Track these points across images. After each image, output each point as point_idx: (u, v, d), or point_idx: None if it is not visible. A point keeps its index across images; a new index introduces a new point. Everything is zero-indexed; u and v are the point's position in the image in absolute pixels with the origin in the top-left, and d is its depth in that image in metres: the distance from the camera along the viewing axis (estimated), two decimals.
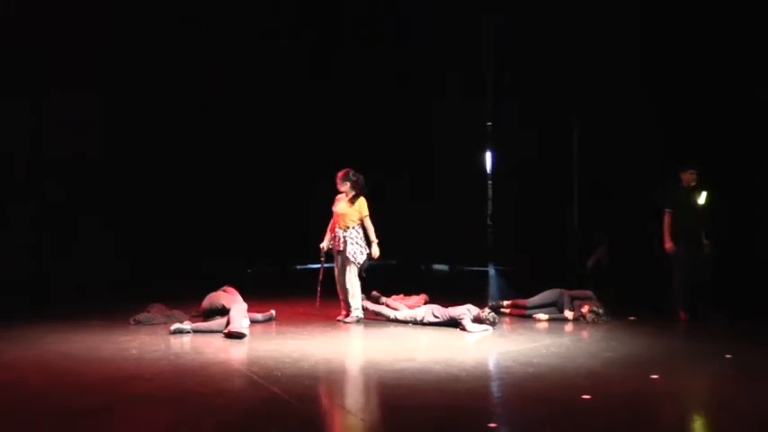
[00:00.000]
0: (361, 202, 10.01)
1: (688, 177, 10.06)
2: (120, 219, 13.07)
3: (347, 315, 9.97)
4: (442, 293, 10.87)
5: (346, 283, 9.94)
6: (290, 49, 15.00)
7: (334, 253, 10.05)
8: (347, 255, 9.88)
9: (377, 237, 9.99)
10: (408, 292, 10.67)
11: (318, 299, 10.22)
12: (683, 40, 12.28)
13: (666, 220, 10.13)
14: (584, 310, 9.98)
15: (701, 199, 10.05)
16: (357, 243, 9.93)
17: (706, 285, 9.99)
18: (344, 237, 9.94)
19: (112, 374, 7.24)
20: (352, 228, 9.96)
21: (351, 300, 9.95)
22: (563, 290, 10.36)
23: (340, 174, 10.07)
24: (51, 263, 12.52)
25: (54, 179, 12.61)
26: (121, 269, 12.72)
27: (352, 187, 10.01)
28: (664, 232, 10.12)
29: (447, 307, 9.73)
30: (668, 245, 10.05)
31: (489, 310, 9.64)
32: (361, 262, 9.92)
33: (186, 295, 10.47)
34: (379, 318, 10.04)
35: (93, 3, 12.62)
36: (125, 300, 10.67)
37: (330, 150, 14.88)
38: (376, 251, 9.99)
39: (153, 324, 9.48)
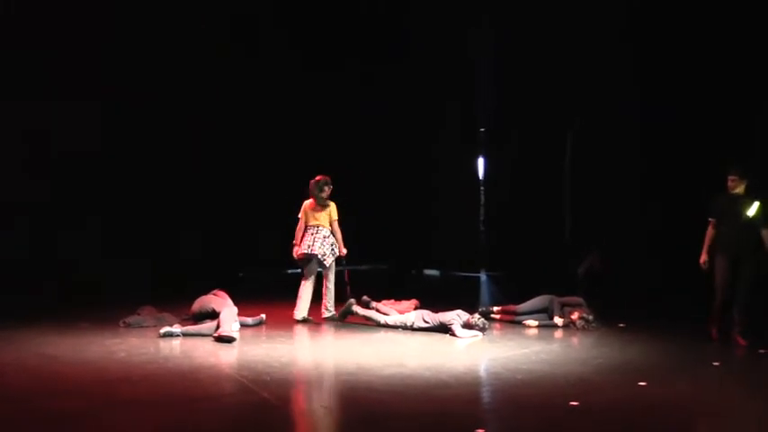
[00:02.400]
0: (333, 206, 10.40)
1: (729, 184, 9.07)
2: (117, 219, 13.07)
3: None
4: (433, 299, 10.86)
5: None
6: (286, 53, 14.98)
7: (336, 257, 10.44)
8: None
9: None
10: (399, 297, 10.66)
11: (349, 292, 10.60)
12: (679, 44, 12.31)
13: (708, 230, 9.16)
14: (574, 316, 9.99)
15: (752, 210, 8.97)
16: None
17: (743, 306, 9.02)
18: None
19: (100, 377, 7.21)
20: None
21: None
22: (553, 296, 10.37)
23: (321, 179, 10.33)
24: (46, 262, 12.49)
25: (51, 179, 12.61)
26: (117, 270, 12.68)
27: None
28: (704, 243, 9.16)
29: (437, 312, 9.73)
30: (702, 258, 9.10)
31: (479, 316, 9.64)
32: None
33: (177, 298, 10.44)
34: (369, 323, 10.02)
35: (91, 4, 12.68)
36: (116, 302, 10.62)
37: (322, 155, 14.88)
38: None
39: (143, 327, 9.46)
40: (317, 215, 10.31)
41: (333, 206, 10.34)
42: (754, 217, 8.94)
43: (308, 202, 10.39)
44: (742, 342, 8.96)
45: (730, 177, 9.04)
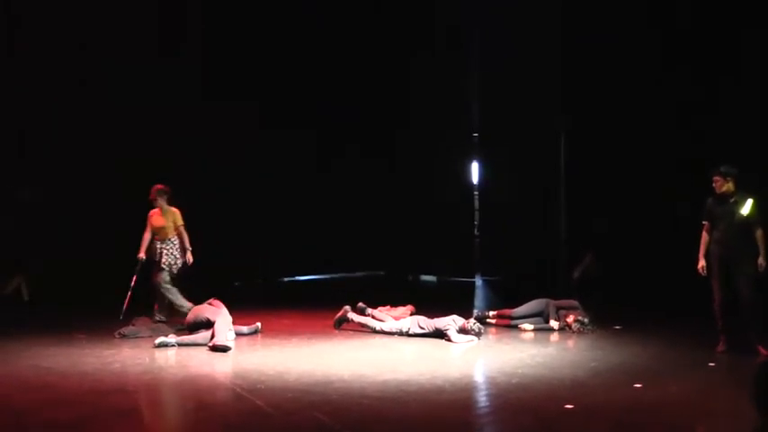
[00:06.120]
0: (176, 213, 10.35)
1: (714, 185, 8.63)
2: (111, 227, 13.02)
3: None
4: (429, 304, 10.85)
5: (163, 291, 10.15)
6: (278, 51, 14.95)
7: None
8: (162, 265, 10.17)
9: (190, 244, 10.33)
10: (395, 304, 10.65)
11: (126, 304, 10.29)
12: (674, 40, 12.33)
13: (702, 234, 8.74)
14: (570, 319, 9.98)
15: (745, 209, 8.49)
16: (173, 253, 10.26)
17: (750, 311, 8.52)
18: (161, 248, 10.20)
19: (94, 388, 7.20)
20: (169, 240, 10.26)
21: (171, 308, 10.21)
22: (549, 300, 10.36)
23: (158, 188, 10.33)
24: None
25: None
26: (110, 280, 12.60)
27: (168, 201, 10.34)
28: (699, 248, 8.75)
29: (433, 318, 9.72)
30: (700, 263, 8.71)
31: (475, 321, 9.64)
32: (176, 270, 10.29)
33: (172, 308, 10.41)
34: (364, 329, 10.01)
35: None
36: (111, 312, 10.58)
37: (318, 159, 14.99)
38: (191, 258, 10.31)
39: (138, 337, 9.45)
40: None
41: (177, 212, 10.38)
42: (748, 216, 8.52)
43: (156, 212, 10.34)
44: (764, 352, 8.39)
45: (714, 178, 8.65)
